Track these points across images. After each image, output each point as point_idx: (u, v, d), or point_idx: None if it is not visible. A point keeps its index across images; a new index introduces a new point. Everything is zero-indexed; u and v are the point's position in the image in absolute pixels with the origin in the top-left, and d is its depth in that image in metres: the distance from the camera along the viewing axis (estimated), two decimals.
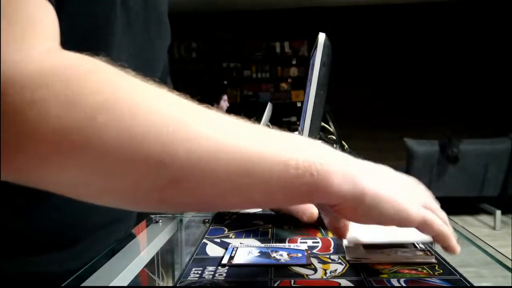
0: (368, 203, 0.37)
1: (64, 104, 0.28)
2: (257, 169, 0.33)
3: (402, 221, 0.38)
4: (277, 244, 0.52)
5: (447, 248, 0.40)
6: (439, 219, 0.40)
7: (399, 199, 0.38)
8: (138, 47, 0.58)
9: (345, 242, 0.50)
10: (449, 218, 0.62)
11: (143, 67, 0.60)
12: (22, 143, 0.27)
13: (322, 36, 0.76)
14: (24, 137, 0.27)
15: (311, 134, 0.85)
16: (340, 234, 0.46)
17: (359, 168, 0.38)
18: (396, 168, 0.43)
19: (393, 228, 0.40)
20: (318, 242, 0.53)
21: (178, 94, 0.34)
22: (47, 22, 0.35)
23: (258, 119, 3.36)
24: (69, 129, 0.28)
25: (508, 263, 0.44)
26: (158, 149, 0.29)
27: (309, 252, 0.50)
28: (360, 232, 0.48)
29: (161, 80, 0.76)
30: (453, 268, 0.44)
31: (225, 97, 4.19)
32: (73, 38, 0.48)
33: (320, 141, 0.39)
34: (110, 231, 0.61)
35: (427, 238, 0.45)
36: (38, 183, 0.30)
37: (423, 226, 0.39)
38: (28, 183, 0.30)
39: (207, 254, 0.50)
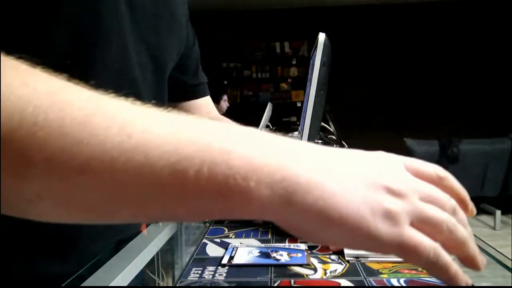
0: (313, 224, 0.27)
1: None
2: (146, 182, 0.25)
3: (367, 246, 0.28)
4: (277, 244, 0.52)
5: (447, 283, 0.29)
6: (431, 244, 0.28)
7: (365, 216, 0.26)
8: (145, 44, 0.58)
9: (347, 257, 0.49)
10: None
11: (150, 65, 0.60)
12: None
13: (322, 36, 0.76)
14: None
15: (311, 134, 0.85)
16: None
17: (307, 171, 0.27)
18: None
19: None
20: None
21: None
22: None
23: (258, 119, 3.36)
24: None
25: (508, 263, 0.44)
26: (13, 158, 0.23)
27: (309, 252, 0.49)
28: None
29: (192, 74, 0.78)
30: None
31: (225, 97, 4.20)
32: (75, 35, 0.48)
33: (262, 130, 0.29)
34: (112, 233, 0.61)
35: None
36: None
37: (402, 253, 0.27)
38: None
39: (207, 254, 0.50)
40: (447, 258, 0.28)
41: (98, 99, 0.26)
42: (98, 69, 0.51)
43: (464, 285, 0.29)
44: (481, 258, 0.30)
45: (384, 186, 0.28)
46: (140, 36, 0.56)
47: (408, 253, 0.27)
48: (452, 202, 0.31)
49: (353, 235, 0.27)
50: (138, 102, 0.27)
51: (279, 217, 0.27)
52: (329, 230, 0.27)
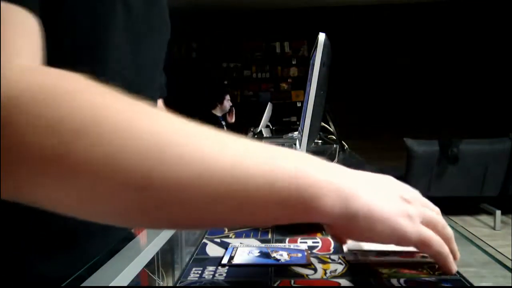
0: (362, 224, 0.36)
1: (43, 129, 0.27)
2: (245, 194, 0.31)
3: (398, 240, 0.37)
4: (277, 244, 0.52)
5: (443, 268, 0.39)
6: (438, 238, 0.38)
7: (396, 217, 0.36)
8: (140, 44, 0.58)
9: (345, 249, 0.49)
10: (449, 218, 0.62)
11: (145, 64, 0.60)
12: (6, 167, 0.27)
13: (322, 36, 0.76)
14: (8, 161, 0.27)
15: (311, 134, 0.85)
16: (340, 240, 0.46)
17: (354, 185, 0.36)
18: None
19: None
20: (318, 242, 0.53)
21: (163, 110, 0.32)
22: (24, 38, 0.34)
23: (258, 119, 3.34)
24: (48, 155, 0.27)
25: (508, 263, 0.44)
26: (139, 174, 0.28)
27: (309, 252, 0.50)
28: (360, 244, 0.48)
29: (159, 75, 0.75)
30: None
31: (227, 97, 4.20)
32: (72, 36, 0.48)
33: (313, 155, 0.37)
34: (112, 232, 0.61)
35: None
36: (27, 201, 0.30)
37: (420, 245, 0.38)
38: (19, 201, 0.30)
39: (207, 254, 0.50)
40: (447, 248, 0.39)
41: (193, 132, 0.32)
42: (97, 70, 0.51)
43: (453, 270, 0.39)
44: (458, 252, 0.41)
45: (401, 196, 0.38)
46: (135, 36, 0.56)
47: (425, 244, 0.37)
48: (437, 209, 0.41)
49: (391, 231, 0.36)
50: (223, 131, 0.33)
51: (338, 222, 0.36)
52: (374, 228, 0.36)
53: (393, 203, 0.37)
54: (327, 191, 0.34)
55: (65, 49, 0.48)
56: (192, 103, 5.79)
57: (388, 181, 0.40)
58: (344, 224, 0.36)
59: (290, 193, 0.32)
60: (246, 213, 0.33)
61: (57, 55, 0.47)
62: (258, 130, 3.14)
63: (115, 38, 0.52)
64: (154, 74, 0.65)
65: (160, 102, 0.80)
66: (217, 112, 4.16)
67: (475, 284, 0.40)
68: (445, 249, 0.38)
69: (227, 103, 4.18)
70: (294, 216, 0.35)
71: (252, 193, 0.32)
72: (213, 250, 0.52)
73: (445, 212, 0.65)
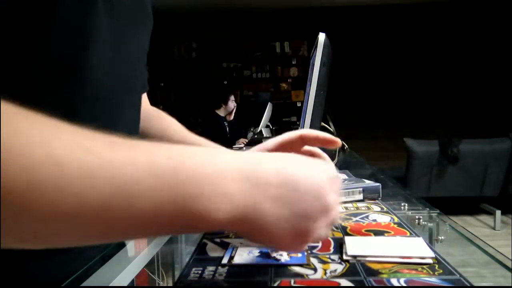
0: (251, 238, 0.38)
1: None
2: (127, 220, 0.30)
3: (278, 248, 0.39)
4: None
5: None
6: (314, 239, 0.38)
7: (284, 240, 0.36)
8: (122, 37, 0.58)
9: (345, 257, 0.49)
10: (449, 218, 0.62)
11: (127, 57, 0.61)
12: None
13: (322, 36, 0.76)
14: None
15: None
16: None
17: (240, 200, 0.33)
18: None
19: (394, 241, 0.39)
20: (318, 242, 0.53)
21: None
22: None
23: (258, 119, 3.34)
24: None
25: (508, 263, 0.44)
26: (11, 195, 0.26)
27: (309, 252, 0.50)
28: (361, 246, 0.48)
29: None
30: (453, 268, 0.44)
31: (232, 97, 4.21)
32: (63, 38, 0.48)
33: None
34: None
35: (430, 254, 0.45)
36: None
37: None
38: None
39: (207, 254, 0.50)
40: (320, 238, 0.40)
41: (69, 158, 0.28)
42: (82, 67, 0.51)
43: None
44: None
45: (305, 215, 0.37)
46: (117, 30, 0.56)
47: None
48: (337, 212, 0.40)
49: (273, 246, 0.38)
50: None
51: (232, 228, 0.37)
52: (263, 241, 0.37)
53: (290, 224, 0.36)
54: (207, 213, 0.32)
55: (51, 53, 0.48)
56: (195, 103, 5.81)
57: (302, 189, 0.37)
58: (237, 230, 0.37)
59: (174, 217, 0.31)
60: (131, 233, 0.33)
61: (43, 60, 0.48)
62: (258, 130, 3.15)
63: (98, 36, 0.52)
64: (139, 68, 0.65)
65: (144, 96, 0.80)
66: (221, 112, 4.17)
67: (475, 284, 0.40)
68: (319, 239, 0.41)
69: (232, 104, 4.19)
70: (184, 231, 0.37)
71: (136, 219, 0.30)
72: (213, 250, 0.52)
73: (445, 212, 0.65)
